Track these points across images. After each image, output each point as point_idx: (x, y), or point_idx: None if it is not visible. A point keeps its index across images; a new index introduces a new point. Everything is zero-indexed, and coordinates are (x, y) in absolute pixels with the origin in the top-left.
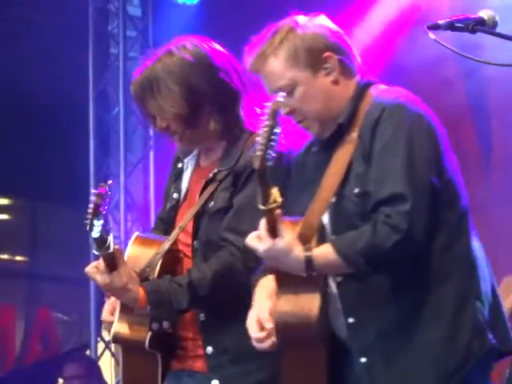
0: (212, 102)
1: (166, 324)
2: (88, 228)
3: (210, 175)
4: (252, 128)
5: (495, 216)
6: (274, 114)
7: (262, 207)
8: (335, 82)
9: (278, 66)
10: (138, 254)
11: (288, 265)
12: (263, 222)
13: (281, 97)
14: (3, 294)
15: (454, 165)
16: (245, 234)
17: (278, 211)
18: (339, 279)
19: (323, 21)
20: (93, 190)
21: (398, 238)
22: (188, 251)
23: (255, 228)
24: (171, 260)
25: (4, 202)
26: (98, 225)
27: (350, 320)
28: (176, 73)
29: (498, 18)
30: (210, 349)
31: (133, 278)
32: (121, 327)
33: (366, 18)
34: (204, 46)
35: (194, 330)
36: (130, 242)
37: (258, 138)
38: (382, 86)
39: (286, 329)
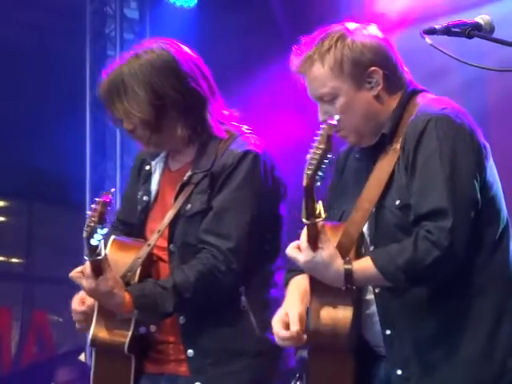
0: (178, 108)
1: (152, 328)
2: (87, 235)
3: (185, 178)
4: (219, 134)
5: None
6: (328, 138)
7: (306, 221)
8: (377, 97)
9: (322, 73)
10: (117, 258)
11: (327, 277)
12: (304, 234)
13: (335, 120)
14: None
15: (496, 177)
16: (225, 236)
17: (322, 224)
18: (377, 290)
19: (373, 31)
20: (96, 199)
21: (439, 255)
22: (163, 255)
23: (235, 230)
24: (148, 264)
25: (0, 204)
26: (101, 233)
27: (388, 332)
28: (141, 76)
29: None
30: (190, 351)
31: (118, 283)
32: (99, 331)
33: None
34: (172, 49)
35: (174, 334)
36: (108, 246)
37: (309, 157)
38: (429, 95)
39: (316, 337)
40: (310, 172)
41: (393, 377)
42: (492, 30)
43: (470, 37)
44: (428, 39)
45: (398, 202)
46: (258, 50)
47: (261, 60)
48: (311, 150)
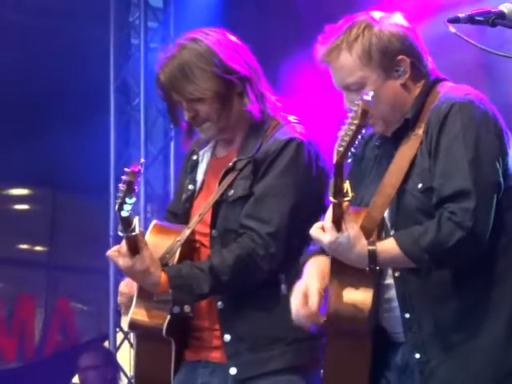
0: (243, 82)
1: (187, 308)
2: (117, 207)
3: (230, 164)
4: (273, 113)
5: None
6: (363, 114)
7: (332, 199)
8: (404, 85)
9: (350, 61)
10: (157, 241)
11: (351, 258)
12: (329, 214)
13: (371, 97)
14: (23, 284)
15: None
16: (266, 221)
17: (347, 204)
18: (397, 274)
19: (399, 19)
20: (126, 169)
21: (463, 235)
22: (205, 241)
23: (275, 216)
24: (188, 249)
25: (24, 192)
26: (129, 203)
27: (407, 315)
28: (206, 55)
29: None
30: (227, 337)
31: (155, 262)
32: (138, 313)
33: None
34: (223, 33)
35: (211, 319)
36: (149, 230)
37: (342, 133)
38: (450, 84)
39: (335, 320)
40: (341, 149)
41: (411, 361)
42: None
43: (493, 25)
44: (452, 28)
45: (420, 186)
46: (281, 40)
47: (284, 50)
48: (343, 127)
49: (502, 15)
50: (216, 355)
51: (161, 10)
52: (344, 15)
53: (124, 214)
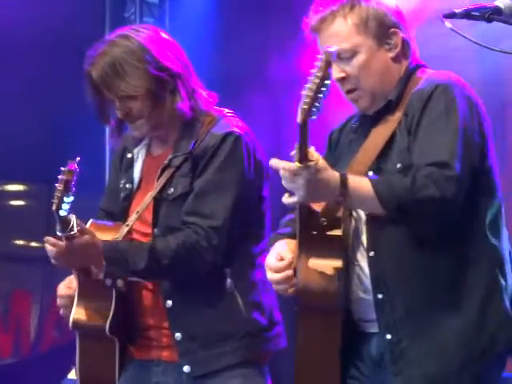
0: (175, 79)
1: (120, 283)
2: (55, 207)
3: (166, 161)
4: (209, 108)
5: None
6: (327, 66)
7: (298, 165)
8: (394, 59)
9: (345, 28)
10: None
11: (320, 184)
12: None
13: (333, 48)
14: (19, 280)
15: (494, 156)
16: (208, 216)
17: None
18: (371, 253)
19: (390, 2)
20: (62, 168)
21: (436, 193)
22: (146, 240)
23: (217, 210)
24: None
25: (19, 188)
26: (67, 201)
27: (380, 296)
28: (138, 52)
29: None
30: (178, 335)
31: (95, 237)
32: (80, 313)
33: None
34: (153, 30)
35: (157, 318)
36: None
37: (304, 92)
38: (431, 70)
39: (305, 295)
40: (305, 106)
41: (383, 343)
42: None
43: (489, 21)
44: (448, 23)
45: (399, 166)
46: (279, 35)
47: (282, 46)
48: (306, 85)
49: (498, 11)
50: (167, 354)
51: (156, 5)
52: None
53: (62, 213)
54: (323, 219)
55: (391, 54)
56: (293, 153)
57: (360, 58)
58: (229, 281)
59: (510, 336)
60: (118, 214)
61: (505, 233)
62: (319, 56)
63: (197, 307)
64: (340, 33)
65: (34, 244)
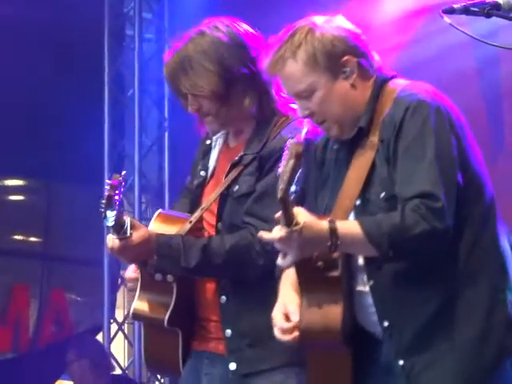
0: (246, 80)
1: (170, 278)
2: (103, 217)
3: (236, 158)
4: (283, 110)
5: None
6: (297, 156)
7: (286, 229)
8: (354, 86)
9: (296, 69)
10: (161, 231)
11: (311, 240)
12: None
13: (302, 139)
14: (17, 275)
15: (477, 156)
16: (264, 218)
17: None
18: (371, 282)
19: (341, 22)
20: (107, 181)
21: (427, 228)
22: (212, 231)
23: (271, 216)
24: (195, 236)
25: (18, 183)
26: (110, 215)
27: (386, 323)
28: (210, 52)
29: None
30: (228, 331)
31: (149, 232)
32: (141, 305)
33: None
34: (235, 26)
35: (216, 313)
36: (153, 219)
37: (281, 172)
38: (401, 81)
39: (308, 335)
40: (283, 185)
41: (395, 368)
42: (511, 9)
43: (488, 16)
44: (447, 18)
45: (383, 195)
46: (278, 30)
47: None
48: (281, 165)
49: (497, 6)
50: (220, 347)
51: (155, 1)
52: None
53: (109, 223)
54: (320, 263)
55: (349, 82)
56: (277, 216)
57: (318, 95)
58: None
59: None
60: (194, 200)
61: (502, 229)
62: (288, 144)
63: (249, 306)
64: (293, 75)
65: (32, 239)
